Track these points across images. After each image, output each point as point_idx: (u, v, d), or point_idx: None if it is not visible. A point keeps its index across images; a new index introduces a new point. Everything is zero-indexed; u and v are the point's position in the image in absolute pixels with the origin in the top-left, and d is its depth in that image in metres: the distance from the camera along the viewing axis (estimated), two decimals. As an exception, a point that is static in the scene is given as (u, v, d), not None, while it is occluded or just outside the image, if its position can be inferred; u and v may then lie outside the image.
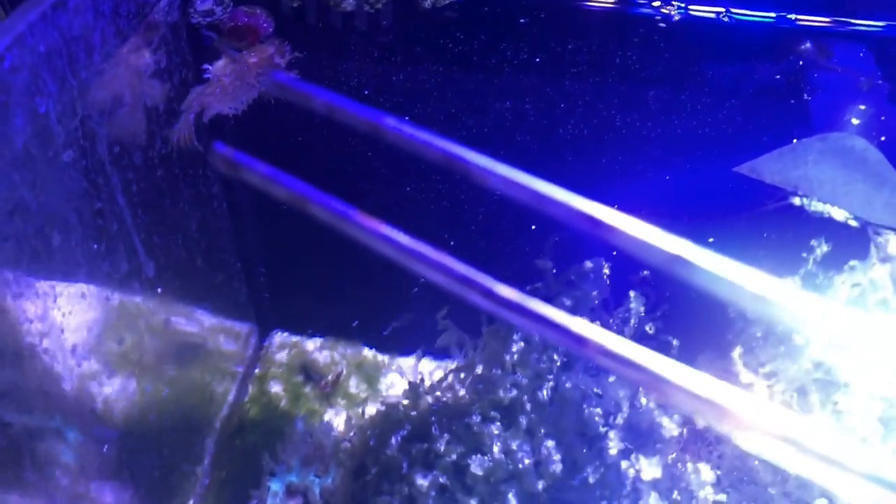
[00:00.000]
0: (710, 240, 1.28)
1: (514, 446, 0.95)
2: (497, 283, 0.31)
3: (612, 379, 1.02)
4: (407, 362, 1.60)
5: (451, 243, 1.42)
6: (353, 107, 0.43)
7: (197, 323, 1.36)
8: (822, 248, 1.02)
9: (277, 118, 1.32)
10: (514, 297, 0.31)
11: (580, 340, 0.30)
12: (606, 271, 1.12)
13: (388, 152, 1.32)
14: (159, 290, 1.16)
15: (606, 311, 1.10)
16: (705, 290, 0.35)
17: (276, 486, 1.38)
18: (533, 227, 1.27)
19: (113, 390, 1.07)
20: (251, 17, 1.13)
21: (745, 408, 0.30)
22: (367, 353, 1.62)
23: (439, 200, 1.35)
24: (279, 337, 1.67)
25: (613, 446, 0.95)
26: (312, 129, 1.32)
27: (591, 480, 0.94)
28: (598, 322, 1.04)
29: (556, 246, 1.19)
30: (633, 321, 1.04)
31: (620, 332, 1.04)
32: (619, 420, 0.98)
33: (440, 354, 1.27)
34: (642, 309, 1.05)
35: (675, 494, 0.95)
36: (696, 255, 0.35)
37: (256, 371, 1.60)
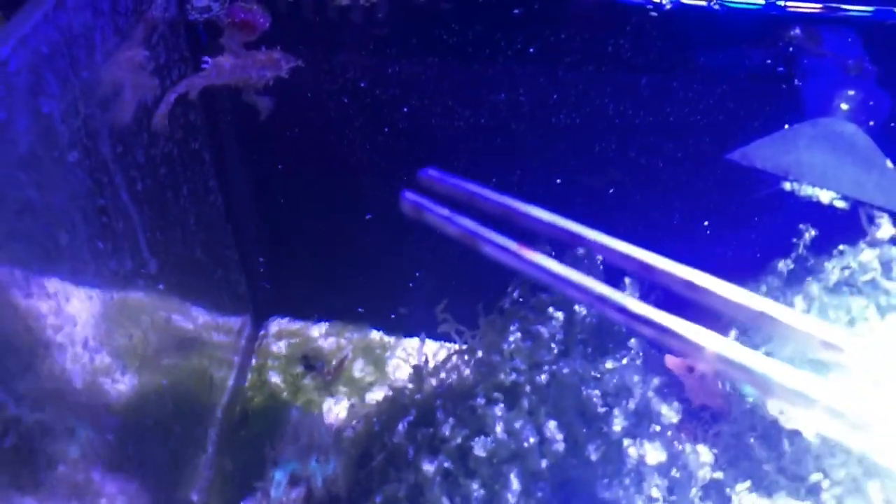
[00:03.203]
0: (706, 223, 1.31)
1: (517, 426, 0.98)
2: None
3: (609, 365, 1.05)
4: (412, 343, 1.62)
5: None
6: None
7: (198, 315, 1.37)
8: (810, 233, 1.04)
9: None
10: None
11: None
12: (600, 257, 1.14)
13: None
14: (161, 285, 1.17)
15: (603, 297, 1.12)
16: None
17: (279, 475, 1.40)
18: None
19: (120, 384, 1.09)
20: (248, 13, 1.14)
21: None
22: (375, 335, 1.64)
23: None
24: (277, 324, 1.68)
25: (614, 426, 0.98)
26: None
27: (592, 458, 0.97)
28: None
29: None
30: (629, 306, 1.06)
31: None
32: (618, 402, 1.01)
33: (444, 337, 1.29)
34: (637, 294, 1.08)
35: (674, 472, 0.98)
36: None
37: (254, 360, 1.62)
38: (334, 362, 1.56)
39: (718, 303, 0.37)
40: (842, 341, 0.35)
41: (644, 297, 1.13)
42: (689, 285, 0.38)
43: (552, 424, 0.97)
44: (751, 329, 1.10)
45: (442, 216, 0.45)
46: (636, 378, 0.98)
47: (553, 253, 1.18)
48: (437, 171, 0.48)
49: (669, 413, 0.96)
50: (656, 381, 0.99)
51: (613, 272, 1.14)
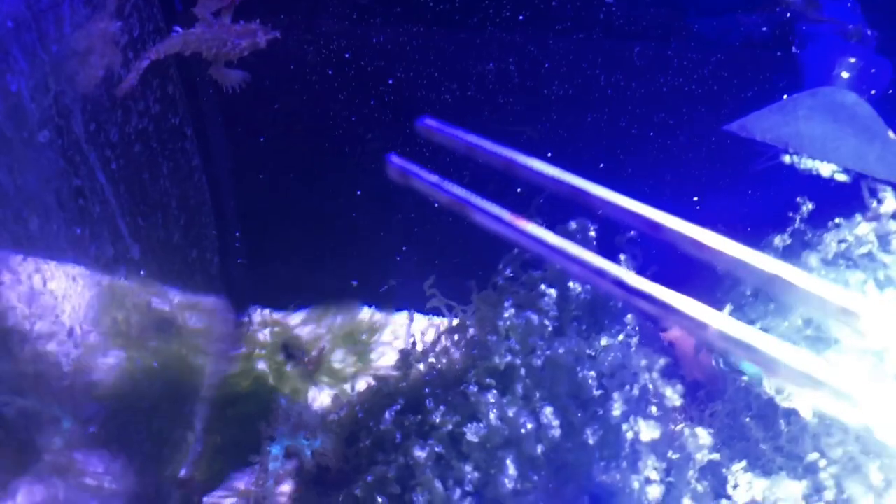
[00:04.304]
0: (696, 197, 1.28)
1: (511, 413, 0.95)
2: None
3: (604, 342, 1.03)
4: (398, 319, 1.59)
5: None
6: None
7: (180, 300, 1.34)
8: (807, 206, 1.01)
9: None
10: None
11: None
12: (592, 233, 1.12)
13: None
14: (143, 271, 1.14)
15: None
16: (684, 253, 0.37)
17: (276, 450, 1.40)
18: (518, 190, 1.25)
19: (102, 369, 1.06)
20: (223, -20, 1.09)
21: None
22: (361, 314, 1.61)
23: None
24: (259, 311, 1.65)
25: (613, 411, 0.96)
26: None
27: (590, 442, 0.95)
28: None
29: (541, 207, 1.18)
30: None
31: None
32: (615, 384, 0.99)
33: (432, 312, 1.27)
34: (632, 270, 1.05)
35: (671, 454, 0.96)
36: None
37: (243, 344, 1.60)
38: (314, 352, 1.53)
39: (729, 264, 0.34)
40: (859, 308, 0.32)
41: (641, 272, 1.11)
42: (698, 245, 0.35)
43: (548, 410, 0.94)
44: (746, 305, 1.08)
45: (431, 182, 0.41)
46: (634, 358, 0.95)
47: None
48: (435, 120, 0.45)
49: (673, 396, 0.94)
50: (662, 361, 0.97)
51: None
